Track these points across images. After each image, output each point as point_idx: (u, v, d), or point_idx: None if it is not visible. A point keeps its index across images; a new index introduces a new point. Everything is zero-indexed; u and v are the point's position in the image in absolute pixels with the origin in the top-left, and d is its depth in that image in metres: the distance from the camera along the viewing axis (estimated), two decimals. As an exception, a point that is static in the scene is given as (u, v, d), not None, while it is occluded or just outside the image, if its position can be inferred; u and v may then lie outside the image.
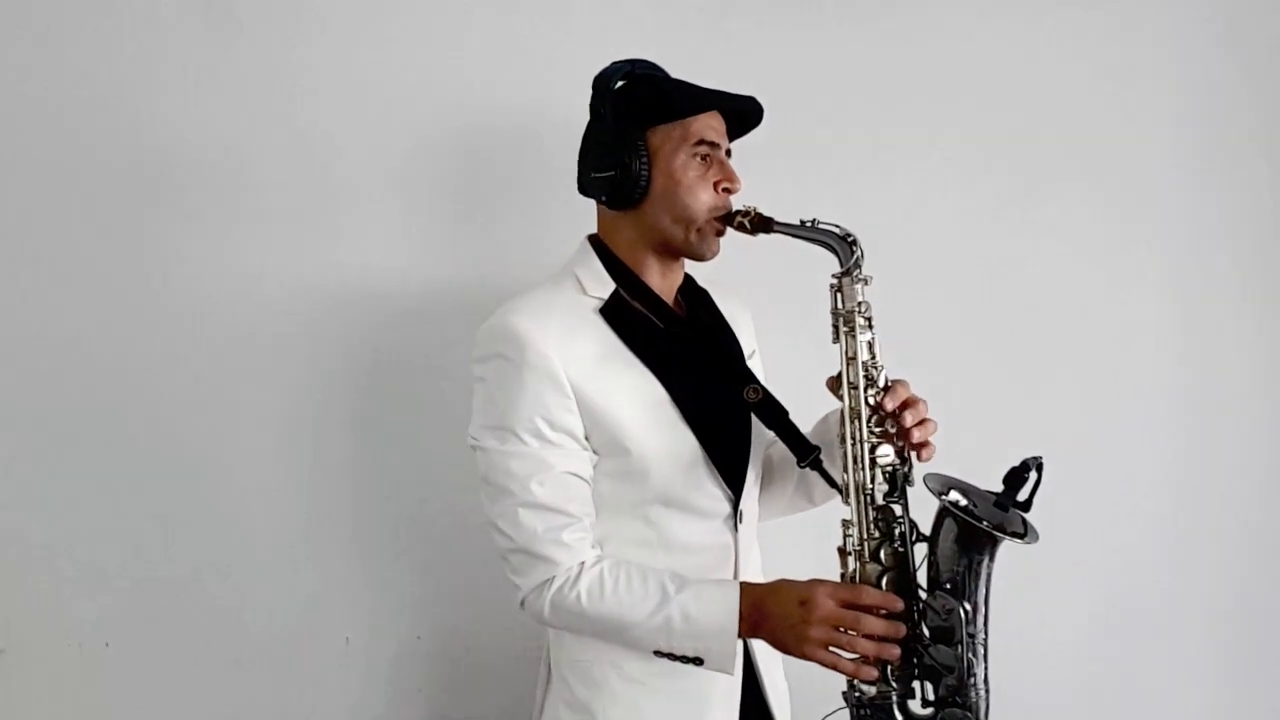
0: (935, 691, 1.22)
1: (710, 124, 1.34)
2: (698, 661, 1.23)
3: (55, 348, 1.66)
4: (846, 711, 1.26)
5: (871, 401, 1.26)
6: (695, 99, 1.33)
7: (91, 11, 1.64)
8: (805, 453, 1.33)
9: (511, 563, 1.26)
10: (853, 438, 1.26)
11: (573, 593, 1.22)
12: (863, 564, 1.24)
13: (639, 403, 1.28)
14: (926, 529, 1.26)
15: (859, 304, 1.27)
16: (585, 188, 1.38)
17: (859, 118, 1.86)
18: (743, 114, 1.40)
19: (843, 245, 1.28)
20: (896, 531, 1.25)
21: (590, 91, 1.37)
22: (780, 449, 1.44)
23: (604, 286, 1.33)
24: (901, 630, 1.19)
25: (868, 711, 1.23)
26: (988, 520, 1.20)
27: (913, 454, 1.26)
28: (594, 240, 1.39)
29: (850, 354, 1.27)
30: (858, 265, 1.27)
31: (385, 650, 1.77)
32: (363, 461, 1.75)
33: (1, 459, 1.65)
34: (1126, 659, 1.95)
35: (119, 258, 1.67)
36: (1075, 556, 1.89)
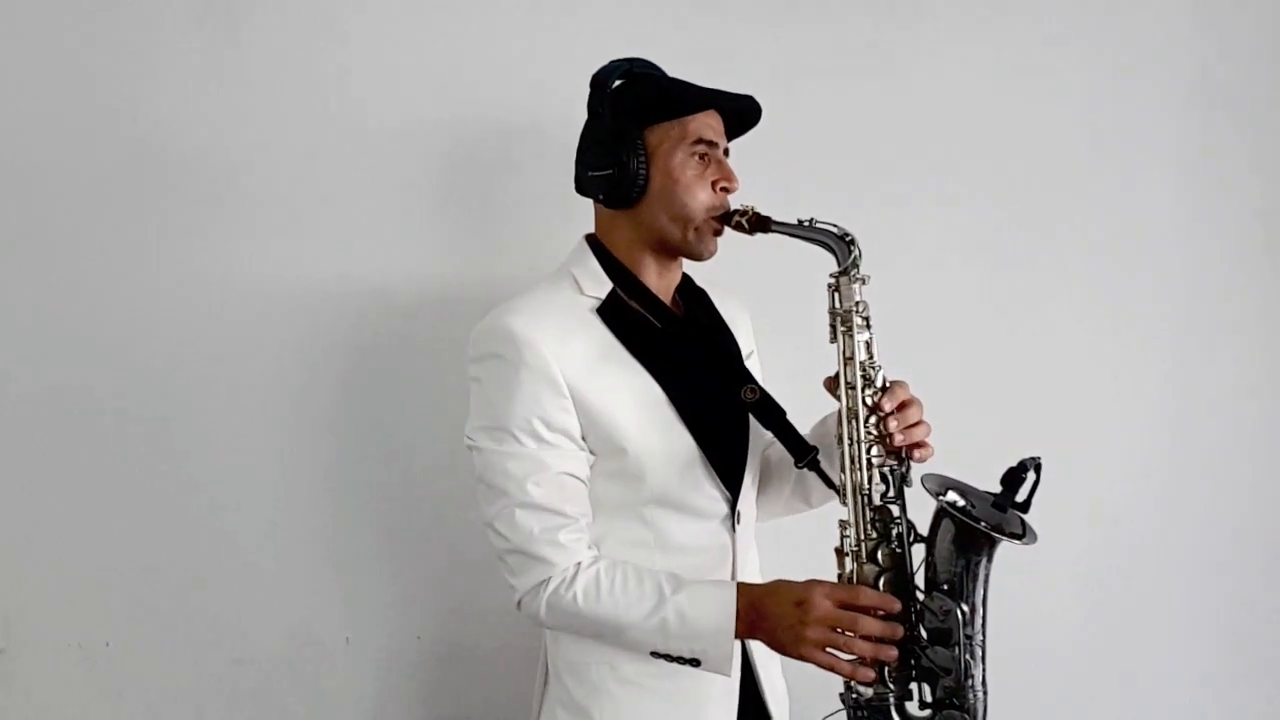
0: (933, 693, 1.21)
1: (708, 123, 1.33)
2: (694, 663, 1.22)
3: (55, 347, 1.66)
4: (844, 713, 1.25)
5: (869, 402, 1.26)
6: (694, 97, 1.33)
7: (90, 11, 1.65)
8: (803, 453, 1.32)
9: (508, 563, 1.26)
10: (850, 438, 1.25)
11: (569, 593, 1.22)
12: (860, 565, 1.24)
13: (636, 403, 1.28)
14: (924, 530, 1.25)
15: (857, 303, 1.26)
16: (583, 187, 1.38)
17: (858, 117, 1.85)
18: (741, 113, 1.39)
19: (840, 244, 1.27)
20: (894, 532, 1.24)
21: (588, 90, 1.37)
22: (778, 450, 1.44)
23: (601, 286, 1.33)
24: (899, 631, 1.19)
25: (865, 713, 1.22)
26: (985, 521, 1.19)
27: (913, 457, 1.25)
28: (591, 240, 1.39)
29: (848, 354, 1.26)
30: (855, 264, 1.26)
31: (385, 650, 1.77)
32: (363, 461, 1.75)
33: (1, 459, 1.65)
34: (1125, 660, 1.95)
35: (119, 258, 1.68)
36: (1073, 557, 1.89)
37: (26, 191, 1.65)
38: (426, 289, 1.73)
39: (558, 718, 1.33)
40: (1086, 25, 1.93)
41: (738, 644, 1.26)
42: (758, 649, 1.35)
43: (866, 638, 1.17)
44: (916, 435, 1.25)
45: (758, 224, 1.31)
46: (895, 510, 1.25)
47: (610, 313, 1.31)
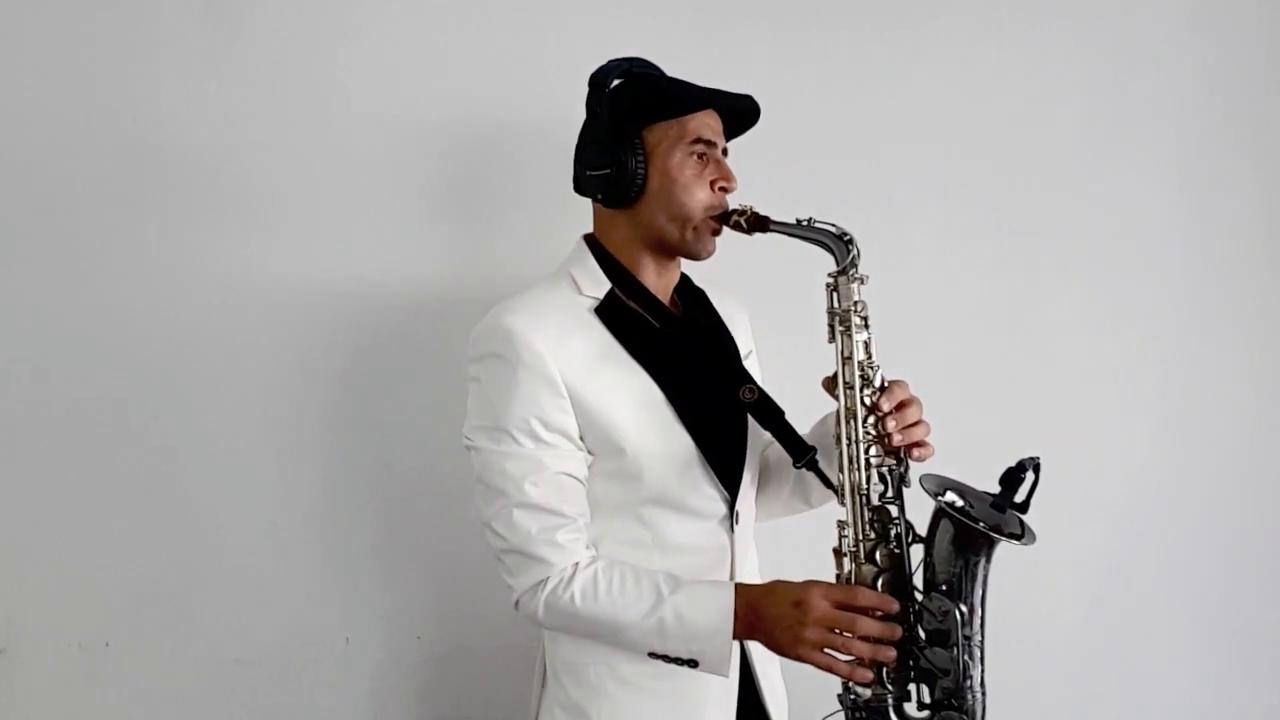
0: (931, 694, 1.21)
1: (707, 122, 1.33)
2: (692, 664, 1.22)
3: (55, 347, 1.66)
4: (842, 714, 1.25)
5: (868, 402, 1.25)
6: (692, 97, 1.33)
7: (89, 11, 1.65)
8: (801, 453, 1.32)
9: (506, 563, 1.26)
10: (848, 438, 1.25)
11: (566, 594, 1.22)
12: (858, 565, 1.23)
13: (634, 403, 1.27)
14: (923, 530, 1.24)
15: (855, 303, 1.26)
16: (581, 186, 1.38)
17: (858, 118, 1.85)
18: (740, 113, 1.39)
19: (839, 244, 1.27)
20: (892, 533, 1.24)
21: (586, 90, 1.37)
22: (777, 450, 1.43)
23: (599, 286, 1.33)
24: (897, 632, 1.18)
25: (863, 714, 1.22)
26: (984, 521, 1.18)
27: (908, 455, 1.25)
28: (590, 240, 1.38)
29: (846, 353, 1.26)
30: (854, 264, 1.26)
31: (385, 650, 1.77)
32: (363, 462, 1.75)
33: (1, 459, 1.65)
34: (1123, 661, 1.94)
35: (118, 258, 1.68)
36: (1072, 558, 1.89)
37: (24, 190, 1.65)
38: (425, 289, 1.73)
39: (555, 719, 1.33)
40: (1086, 27, 1.93)
41: (736, 645, 1.26)
42: (756, 650, 1.35)
43: (864, 638, 1.16)
44: (915, 435, 1.25)
45: (756, 224, 1.31)
46: (894, 510, 1.25)
47: (608, 313, 1.31)
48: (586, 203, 1.40)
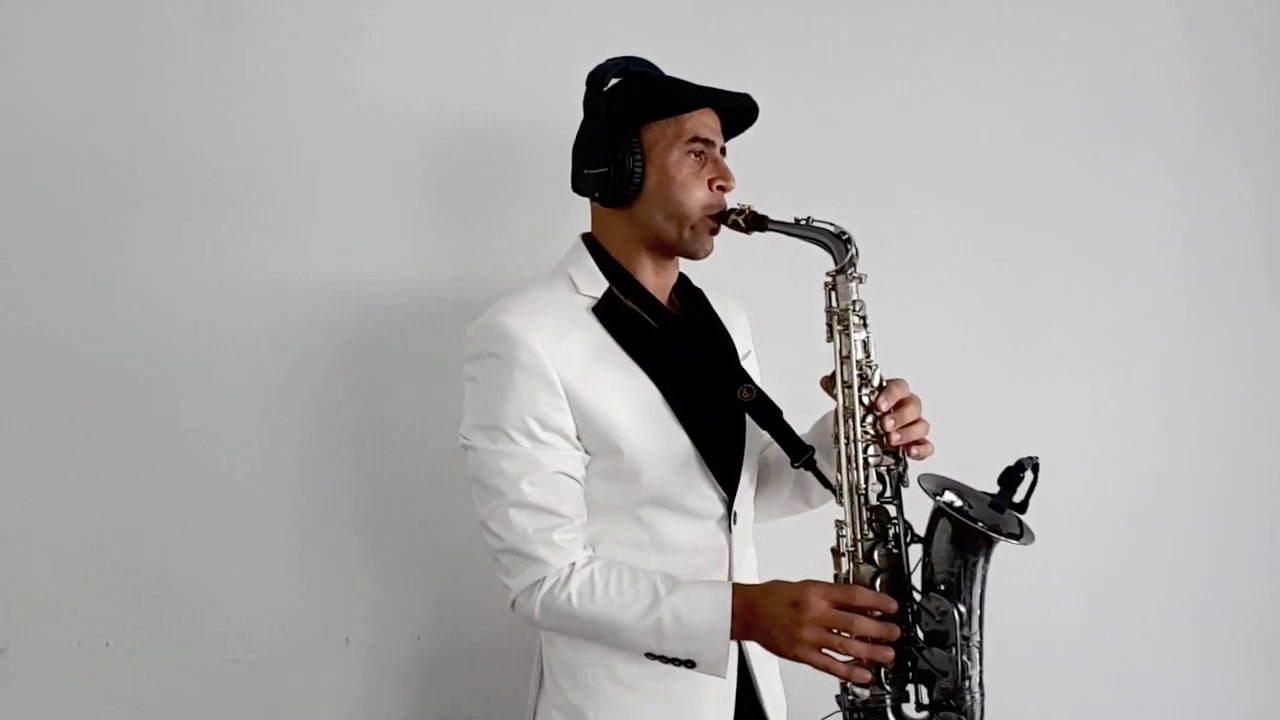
0: (929, 694, 1.20)
1: (705, 121, 1.33)
2: (690, 664, 1.21)
3: (54, 347, 1.66)
4: (840, 715, 1.24)
5: (866, 401, 1.25)
6: (690, 95, 1.32)
7: (89, 11, 1.65)
8: (799, 453, 1.32)
9: (502, 563, 1.25)
10: (847, 437, 1.24)
11: (563, 594, 1.21)
12: (856, 565, 1.23)
13: (631, 402, 1.27)
14: (921, 530, 1.24)
15: (853, 302, 1.26)
16: (579, 185, 1.37)
17: (857, 117, 1.85)
18: (738, 112, 1.38)
19: (837, 243, 1.27)
20: (891, 532, 1.24)
21: (584, 89, 1.36)
22: (777, 450, 1.42)
23: (597, 285, 1.33)
24: (895, 632, 1.17)
25: (862, 715, 1.21)
26: (983, 521, 1.18)
27: (907, 454, 1.24)
28: (587, 239, 1.38)
29: (844, 352, 1.26)
30: (852, 263, 1.26)
31: (385, 650, 1.76)
32: (361, 461, 1.75)
33: (1, 459, 1.65)
34: (1122, 661, 1.94)
35: (118, 259, 1.67)
36: (1071, 558, 1.88)
37: (24, 189, 1.65)
38: (425, 289, 1.73)
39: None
40: (1085, 29, 1.94)
41: (733, 645, 1.25)
42: (754, 651, 1.34)
43: (863, 638, 1.15)
44: (914, 434, 1.24)
45: (754, 223, 1.30)
46: (892, 510, 1.24)
47: (606, 312, 1.31)
48: (586, 203, 1.40)
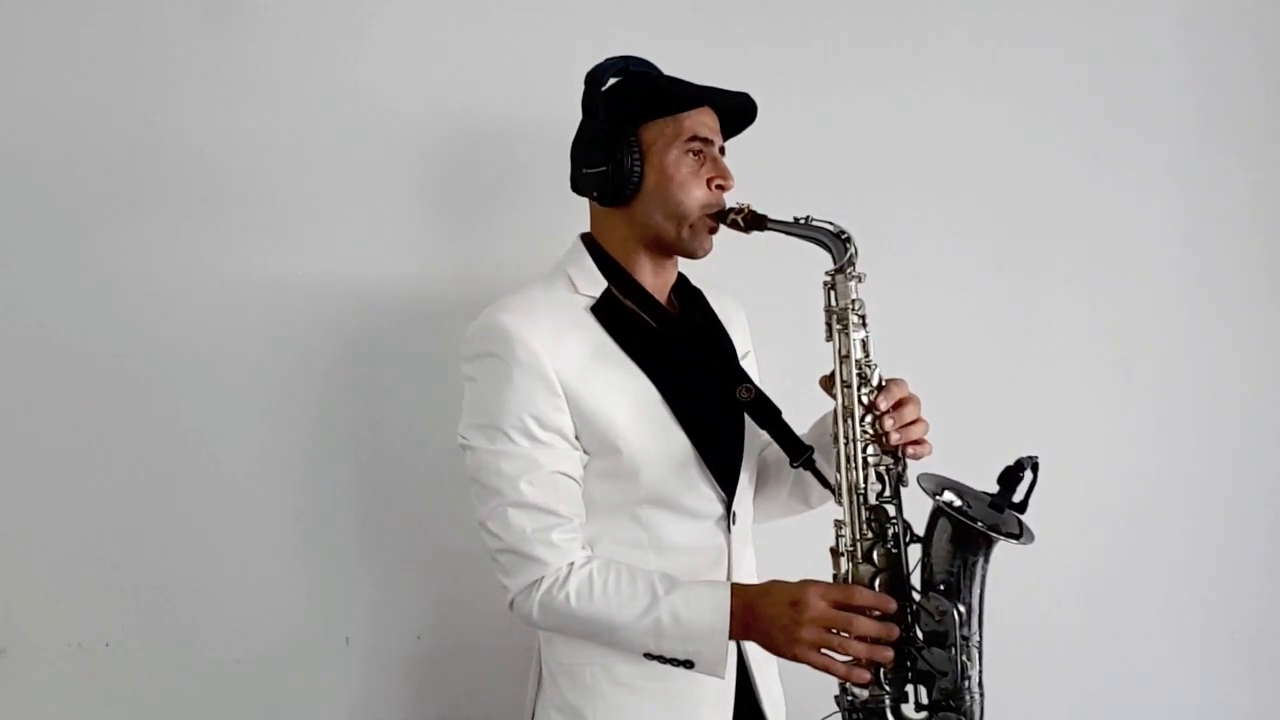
0: (929, 695, 1.20)
1: (703, 120, 1.33)
2: (688, 664, 1.21)
3: (54, 347, 1.66)
4: (839, 715, 1.24)
5: (865, 400, 1.25)
6: (688, 94, 1.32)
7: (89, 11, 1.65)
8: (798, 452, 1.31)
9: (500, 563, 1.25)
10: (846, 437, 1.24)
11: (561, 593, 1.21)
12: (855, 565, 1.22)
13: (630, 402, 1.27)
14: (920, 530, 1.24)
15: (852, 301, 1.25)
16: (577, 185, 1.37)
17: (857, 116, 1.85)
18: (737, 111, 1.38)
19: (836, 242, 1.27)
20: (890, 532, 1.23)
21: (583, 89, 1.36)
22: (776, 450, 1.42)
23: (596, 285, 1.32)
24: (894, 632, 1.17)
25: (861, 715, 1.21)
26: (982, 521, 1.18)
27: (905, 454, 1.24)
28: (586, 238, 1.38)
29: (843, 352, 1.25)
30: (851, 262, 1.25)
31: (385, 650, 1.76)
32: (361, 461, 1.75)
33: (1, 459, 1.65)
34: (1122, 661, 1.94)
35: (118, 259, 1.67)
36: (1071, 558, 1.88)
37: (23, 189, 1.65)
38: (425, 289, 1.73)
39: (551, 720, 1.32)
40: (1084, 29, 1.94)
41: (732, 646, 1.25)
42: (753, 651, 1.34)
43: (862, 638, 1.15)
44: (914, 433, 1.23)
45: (753, 222, 1.30)
46: (891, 510, 1.24)
47: (605, 311, 1.30)
48: (584, 202, 1.40)
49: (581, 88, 1.36)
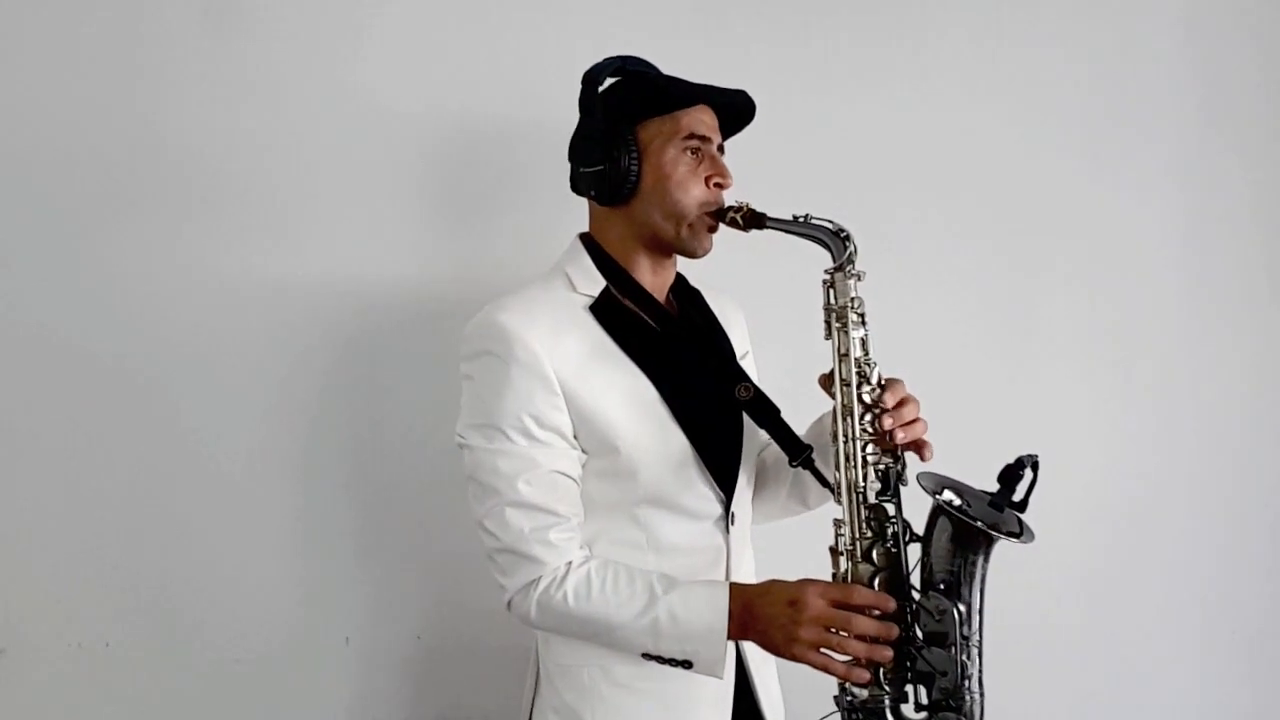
0: (929, 694, 1.19)
1: (701, 118, 1.32)
2: (686, 665, 1.20)
3: (55, 347, 1.66)
4: (839, 715, 1.23)
5: (865, 399, 1.24)
6: (685, 92, 1.32)
7: (89, 11, 1.65)
8: (797, 451, 1.31)
9: (498, 563, 1.25)
10: (845, 435, 1.23)
11: (559, 593, 1.20)
12: (855, 564, 1.22)
13: (629, 401, 1.26)
14: (920, 529, 1.23)
15: (852, 299, 1.25)
16: (576, 184, 1.37)
17: (856, 115, 1.84)
18: (735, 108, 1.38)
19: (835, 240, 1.26)
20: (889, 531, 1.23)
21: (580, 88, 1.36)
22: (775, 451, 1.42)
23: (594, 284, 1.32)
24: (894, 631, 1.16)
25: (860, 715, 1.20)
26: (982, 519, 1.17)
27: (912, 451, 1.23)
28: (585, 238, 1.38)
29: (843, 350, 1.25)
30: (850, 260, 1.25)
31: (385, 650, 1.76)
32: (361, 461, 1.75)
33: (1, 459, 1.65)
34: (1123, 661, 1.93)
35: (117, 260, 1.67)
36: (1071, 557, 1.88)
37: (21, 189, 1.65)
38: (425, 289, 1.73)
39: (548, 722, 1.32)
40: (1084, 28, 1.93)
41: (731, 646, 1.25)
42: (752, 651, 1.34)
43: (861, 637, 1.15)
44: (916, 431, 1.23)
45: (752, 220, 1.29)
46: (891, 509, 1.23)
47: (603, 310, 1.30)
48: (584, 202, 1.40)
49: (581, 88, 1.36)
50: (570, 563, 1.22)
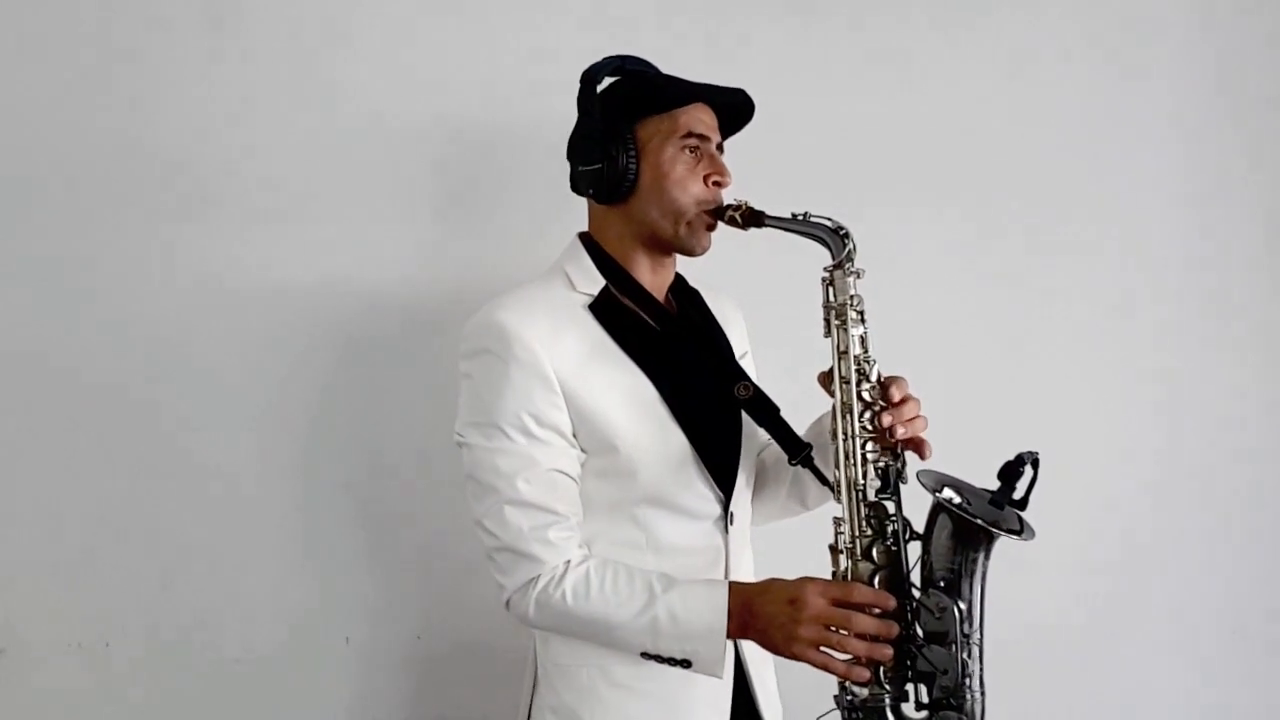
0: (929, 693, 1.19)
1: (699, 117, 1.32)
2: (686, 664, 1.20)
3: (53, 347, 1.66)
4: (838, 714, 1.22)
5: (866, 396, 1.24)
6: (683, 91, 1.32)
7: (88, 11, 1.65)
8: (797, 450, 1.30)
9: (497, 562, 1.24)
10: (845, 433, 1.23)
11: (558, 592, 1.20)
12: (855, 562, 1.21)
13: (628, 400, 1.26)
14: (920, 527, 1.23)
15: (851, 297, 1.25)
16: (575, 184, 1.37)
17: (856, 114, 1.84)
18: (733, 107, 1.37)
19: (834, 238, 1.26)
20: (889, 529, 1.22)
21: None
22: (773, 451, 1.42)
23: (594, 283, 1.32)
24: (894, 629, 1.16)
25: (860, 714, 1.20)
26: (983, 517, 1.17)
27: (921, 454, 1.23)
28: (584, 237, 1.38)
29: (842, 348, 1.25)
30: (850, 258, 1.25)
31: (385, 650, 1.76)
32: (361, 461, 1.74)
33: (1, 459, 1.65)
34: (1124, 660, 1.92)
35: (116, 260, 1.67)
36: (1073, 556, 1.87)
37: (18, 189, 1.65)
38: (424, 289, 1.73)
39: (546, 722, 1.31)
40: (1088, 24, 1.92)
41: (730, 646, 1.24)
42: (750, 652, 1.33)
43: (861, 636, 1.14)
44: (917, 429, 1.23)
45: (751, 219, 1.29)
46: (890, 507, 1.23)
47: (602, 309, 1.30)
48: (583, 202, 1.40)
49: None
50: (569, 561, 1.22)
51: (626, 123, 1.30)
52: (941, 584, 1.18)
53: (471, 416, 1.25)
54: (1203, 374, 1.95)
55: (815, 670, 1.16)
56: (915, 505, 1.23)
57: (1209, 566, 1.96)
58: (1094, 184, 1.92)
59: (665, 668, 1.21)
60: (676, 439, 1.27)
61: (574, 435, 1.25)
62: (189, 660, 1.70)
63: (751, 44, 1.82)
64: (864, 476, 1.22)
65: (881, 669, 1.18)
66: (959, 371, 1.79)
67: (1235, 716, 1.96)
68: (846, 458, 1.22)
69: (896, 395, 1.22)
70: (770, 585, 1.19)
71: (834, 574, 1.23)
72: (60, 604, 1.67)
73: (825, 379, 1.27)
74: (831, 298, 1.26)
